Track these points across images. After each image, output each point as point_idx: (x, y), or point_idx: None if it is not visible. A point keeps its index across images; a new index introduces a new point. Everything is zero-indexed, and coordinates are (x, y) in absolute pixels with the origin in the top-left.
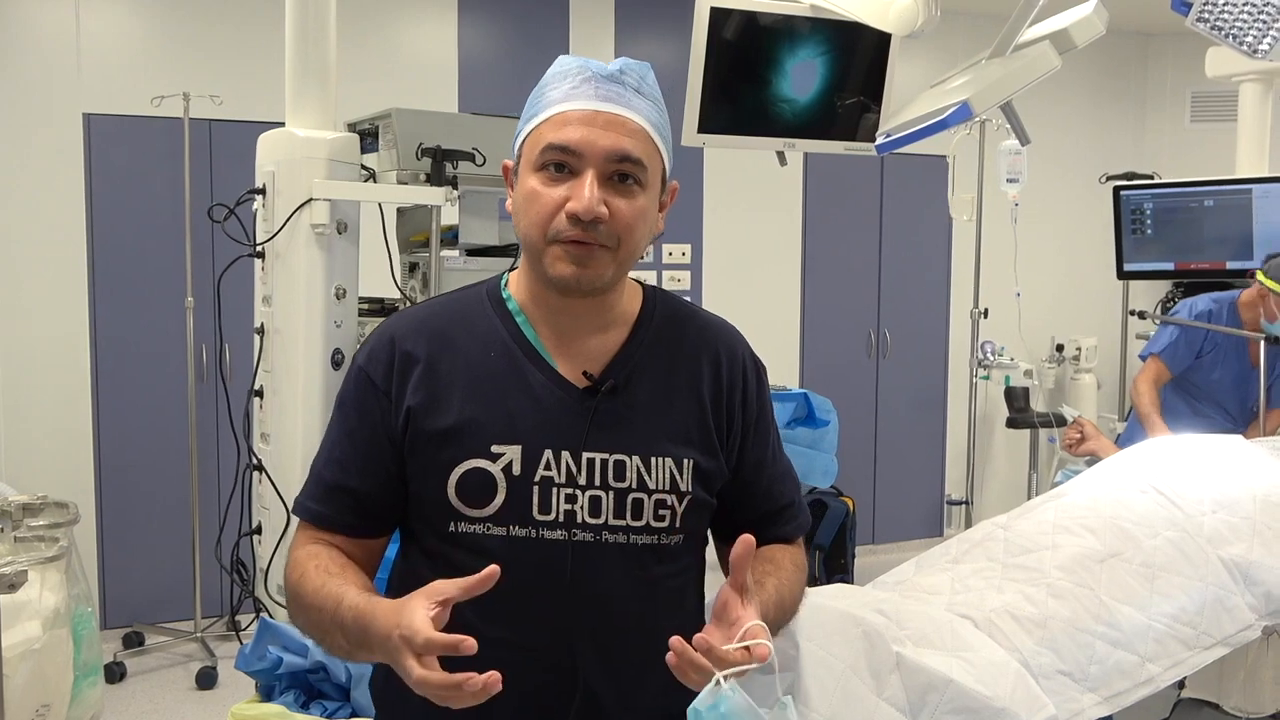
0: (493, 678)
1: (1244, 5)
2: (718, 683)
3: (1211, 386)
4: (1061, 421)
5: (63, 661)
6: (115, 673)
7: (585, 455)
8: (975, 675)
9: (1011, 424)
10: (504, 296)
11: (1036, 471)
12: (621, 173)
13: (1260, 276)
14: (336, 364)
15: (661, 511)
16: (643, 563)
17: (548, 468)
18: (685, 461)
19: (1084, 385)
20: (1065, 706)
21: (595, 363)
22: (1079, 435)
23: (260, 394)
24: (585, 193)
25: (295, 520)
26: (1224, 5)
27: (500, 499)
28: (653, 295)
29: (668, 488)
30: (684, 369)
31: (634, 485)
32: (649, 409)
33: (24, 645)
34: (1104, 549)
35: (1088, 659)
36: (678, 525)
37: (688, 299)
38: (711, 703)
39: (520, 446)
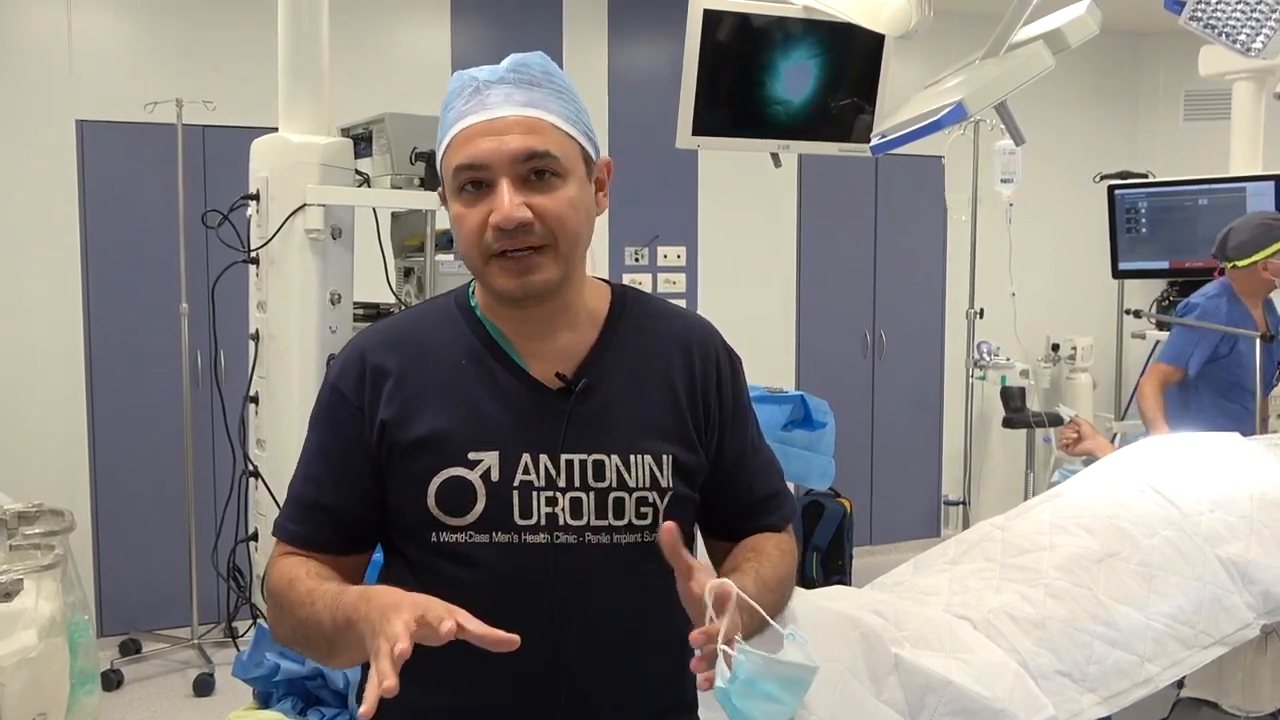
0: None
1: (1237, 4)
2: (723, 655)
3: (1242, 374)
4: (1057, 421)
5: (59, 670)
6: (112, 680)
7: (564, 457)
8: (974, 676)
9: (1008, 424)
10: (471, 305)
11: (1033, 471)
12: (536, 169)
13: (1232, 263)
14: None
15: (644, 509)
16: (628, 562)
17: (526, 472)
18: (664, 457)
19: (1080, 385)
20: (1064, 707)
21: (567, 363)
22: (1076, 435)
23: (256, 400)
24: (503, 202)
25: (273, 542)
26: (1217, 4)
27: (480, 506)
28: (621, 293)
29: (648, 485)
30: (657, 364)
31: (614, 484)
32: (624, 407)
33: (20, 654)
34: (1101, 549)
35: (1086, 659)
36: (661, 522)
37: (665, 298)
38: (730, 675)
39: (497, 452)
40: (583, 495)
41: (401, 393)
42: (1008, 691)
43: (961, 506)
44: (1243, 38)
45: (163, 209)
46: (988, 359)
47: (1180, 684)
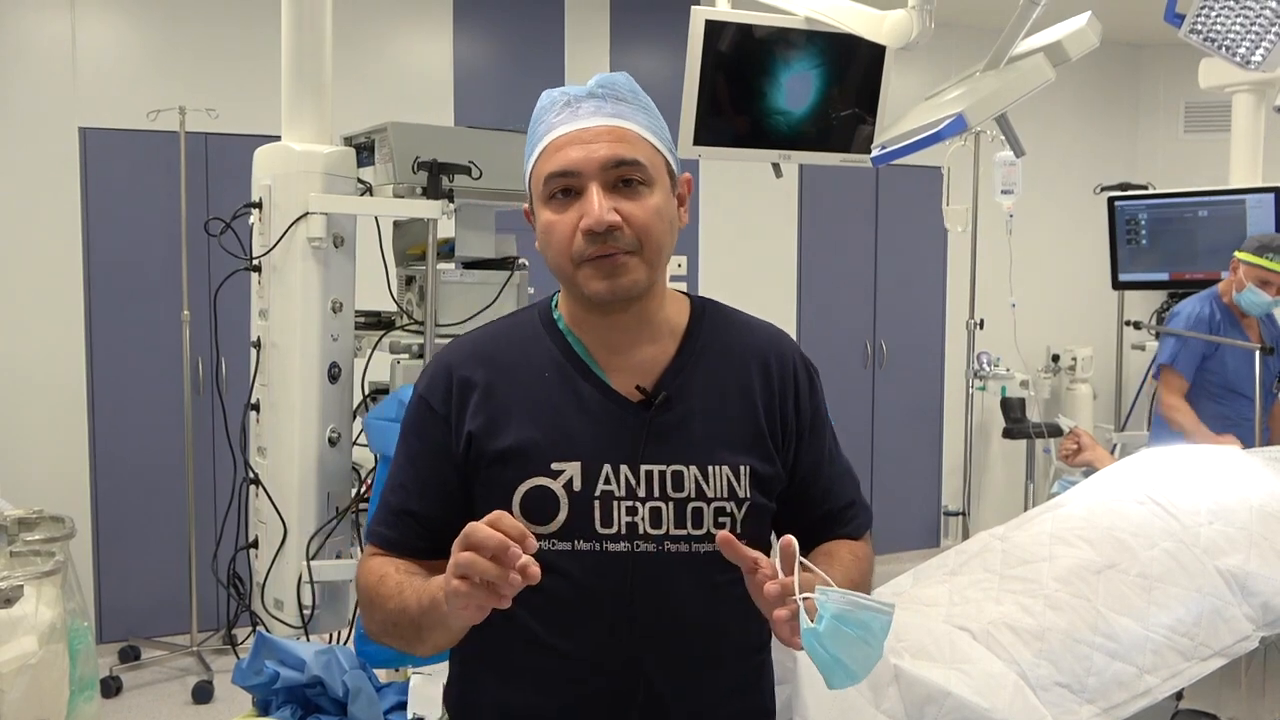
0: (534, 568)
1: (1236, 17)
2: (803, 603)
3: (1230, 376)
4: (1057, 432)
5: (59, 676)
6: (111, 687)
7: (643, 468)
8: (973, 687)
9: (1008, 435)
10: (555, 317)
11: (1033, 482)
12: (624, 178)
13: (1238, 254)
14: (333, 378)
15: (721, 519)
16: (706, 571)
17: (607, 482)
18: (742, 468)
19: (1080, 395)
20: (1063, 718)
21: (647, 376)
22: (1075, 446)
23: (257, 407)
24: (594, 206)
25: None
26: (1216, 17)
27: (563, 515)
28: (700, 305)
29: (726, 495)
30: (735, 376)
31: (693, 495)
32: (703, 419)
33: (20, 660)
34: (1101, 560)
35: (1085, 670)
36: (738, 532)
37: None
38: (817, 616)
39: (579, 463)
40: (662, 505)
41: (488, 405)
42: (1007, 703)
43: (961, 517)
44: (1242, 51)
45: (165, 216)
46: (988, 369)
47: (1179, 695)
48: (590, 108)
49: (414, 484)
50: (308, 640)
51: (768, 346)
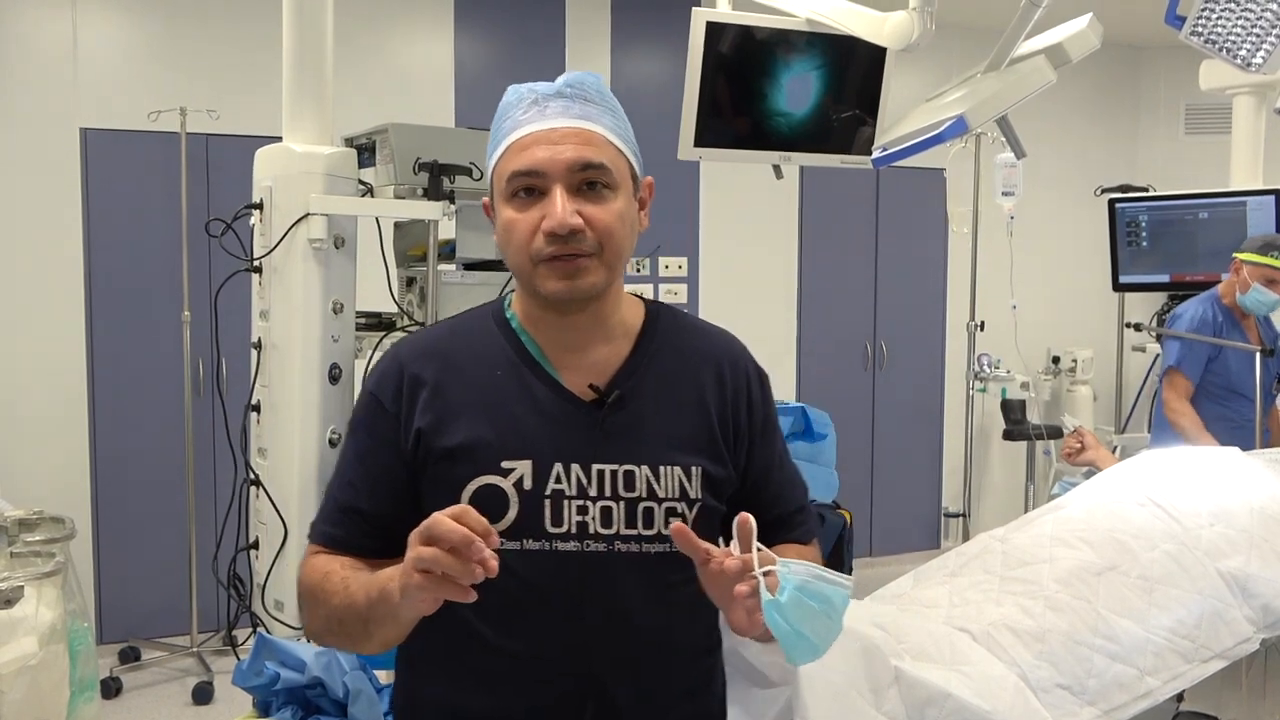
0: (493, 561)
1: (1237, 19)
2: (766, 574)
3: (1233, 378)
4: (1057, 434)
5: (59, 677)
6: (111, 688)
7: (595, 467)
8: (974, 689)
9: (1008, 436)
10: (507, 316)
11: (1033, 484)
12: (588, 180)
13: (1240, 255)
14: (334, 379)
15: (672, 519)
16: (657, 571)
17: (558, 481)
18: (694, 469)
19: (1080, 397)
20: None
21: (600, 375)
22: (1079, 445)
23: (257, 409)
24: (556, 208)
25: (306, 543)
26: (1217, 20)
27: (513, 513)
28: (655, 309)
29: (677, 496)
30: (688, 379)
31: (644, 495)
32: (656, 419)
33: (20, 661)
34: (1101, 562)
35: (1086, 672)
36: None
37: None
38: (779, 588)
39: (530, 461)
40: (613, 504)
41: (438, 402)
42: (1008, 705)
43: (961, 519)
44: (1243, 53)
45: (166, 217)
46: (988, 371)
47: (1180, 698)
48: (558, 107)
49: (363, 481)
50: (308, 641)
51: (721, 352)
